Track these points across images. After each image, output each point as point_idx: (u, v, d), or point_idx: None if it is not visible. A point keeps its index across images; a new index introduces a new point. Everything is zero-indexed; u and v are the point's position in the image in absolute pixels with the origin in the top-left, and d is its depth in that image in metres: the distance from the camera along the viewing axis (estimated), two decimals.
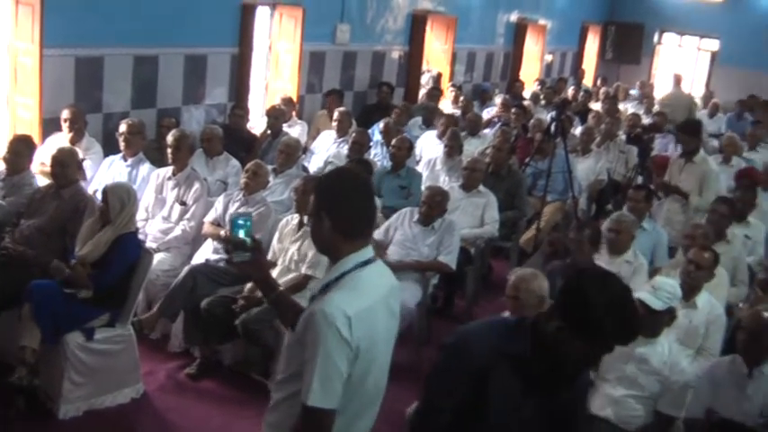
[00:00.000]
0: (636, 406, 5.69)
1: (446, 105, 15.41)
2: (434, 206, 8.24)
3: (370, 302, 3.42)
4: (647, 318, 5.68)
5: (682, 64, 24.29)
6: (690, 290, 6.72)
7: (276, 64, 13.09)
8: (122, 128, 8.87)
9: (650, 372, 5.65)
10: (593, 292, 3.23)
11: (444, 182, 10.23)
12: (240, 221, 3.76)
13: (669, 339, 5.87)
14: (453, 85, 16.44)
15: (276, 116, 11.23)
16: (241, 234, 3.73)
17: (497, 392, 3.40)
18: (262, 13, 12.46)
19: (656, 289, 5.74)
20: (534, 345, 3.37)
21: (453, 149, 10.91)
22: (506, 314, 6.01)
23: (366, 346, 3.37)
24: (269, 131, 11.06)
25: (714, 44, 23.64)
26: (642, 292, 5.75)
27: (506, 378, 3.38)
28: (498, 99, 16.04)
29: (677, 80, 19.41)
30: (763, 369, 5.54)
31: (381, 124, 11.63)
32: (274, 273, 7.24)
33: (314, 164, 10.95)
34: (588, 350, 3.29)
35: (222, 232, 7.72)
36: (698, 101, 20.07)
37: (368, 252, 3.53)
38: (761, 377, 5.53)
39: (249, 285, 7.14)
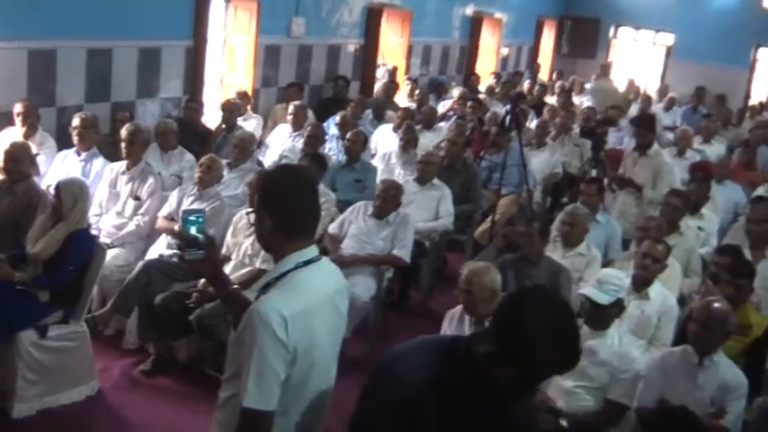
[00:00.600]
0: (586, 397, 5.75)
1: (402, 99, 15.39)
2: (389, 199, 8.25)
3: (308, 303, 3.38)
4: (594, 312, 5.76)
5: (637, 58, 24.52)
6: (643, 282, 6.81)
7: (231, 57, 13.04)
8: (75, 122, 8.80)
9: (600, 363, 5.72)
10: (530, 321, 3.00)
11: (399, 175, 10.25)
12: (191, 218, 3.71)
13: (619, 330, 5.94)
14: (409, 79, 16.43)
15: (231, 110, 11.18)
16: (192, 230, 3.68)
17: (428, 427, 3.18)
18: (216, 5, 12.38)
19: (601, 282, 5.79)
20: (469, 369, 3.12)
21: (409, 143, 10.94)
22: (452, 315, 6.07)
23: (304, 348, 3.34)
24: (224, 125, 11.01)
25: (669, 38, 23.77)
26: (588, 288, 5.85)
27: (441, 408, 3.16)
28: (455, 92, 16.03)
29: (605, 70, 19.56)
30: (713, 358, 5.59)
31: (338, 117, 11.59)
32: (228, 267, 7.25)
33: (269, 158, 10.94)
34: (520, 378, 3.05)
35: (176, 227, 7.72)
36: (623, 90, 20.25)
37: (310, 252, 3.49)
38: (711, 367, 5.58)
39: (203, 280, 7.14)
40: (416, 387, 3.13)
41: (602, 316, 5.78)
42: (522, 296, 3.18)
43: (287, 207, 3.48)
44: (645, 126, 9.86)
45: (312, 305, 3.40)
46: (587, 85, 19.97)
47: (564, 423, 5.53)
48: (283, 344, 3.25)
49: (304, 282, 3.43)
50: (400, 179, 9.57)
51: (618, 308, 5.86)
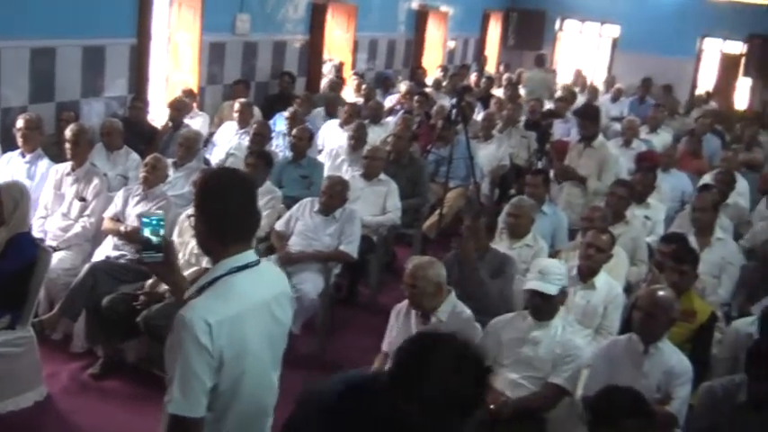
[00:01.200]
0: (531, 387, 5.80)
1: (349, 94, 15.39)
2: (334, 196, 8.25)
3: (238, 310, 3.36)
4: (542, 305, 5.81)
5: (583, 50, 24.67)
6: (588, 271, 6.88)
7: (176, 55, 12.96)
8: (20, 123, 8.67)
9: (544, 353, 5.79)
10: (438, 375, 2.92)
11: (347, 172, 10.23)
12: (147, 220, 3.68)
13: (563, 320, 6.02)
14: (356, 74, 16.44)
15: (178, 108, 11.14)
16: (146, 233, 3.65)
17: None
18: (160, 3, 12.30)
19: (545, 274, 5.84)
20: (380, 405, 3.03)
21: (358, 142, 10.84)
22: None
23: (232, 355, 3.32)
24: (171, 124, 10.95)
25: (615, 30, 23.96)
26: (533, 282, 5.87)
27: None
28: (402, 86, 16.07)
29: (538, 61, 19.70)
30: (658, 346, 5.65)
31: (287, 113, 11.56)
32: None
33: (215, 156, 10.89)
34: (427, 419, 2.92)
35: (122, 228, 7.68)
36: (558, 80, 20.51)
37: (246, 257, 3.47)
38: (656, 354, 5.64)
39: (150, 281, 7.12)
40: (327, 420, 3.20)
41: (549, 307, 5.85)
42: (438, 347, 3.07)
43: (222, 211, 3.46)
44: (588, 117, 9.91)
45: (243, 311, 3.38)
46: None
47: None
48: (207, 350, 3.23)
49: (235, 287, 3.40)
50: (347, 176, 9.55)
51: (563, 295, 5.95)
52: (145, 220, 3.69)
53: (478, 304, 6.66)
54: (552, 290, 5.80)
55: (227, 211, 3.46)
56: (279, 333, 3.63)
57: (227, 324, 3.29)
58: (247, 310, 3.40)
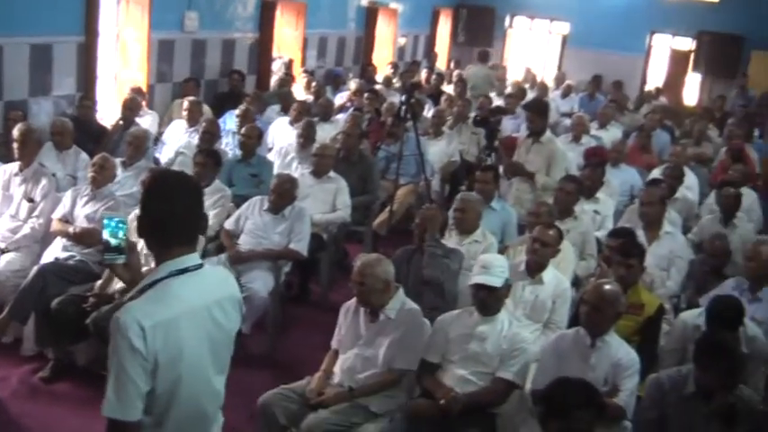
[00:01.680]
0: (480, 383, 5.82)
1: (299, 91, 15.35)
2: (283, 194, 8.25)
3: (174, 313, 3.34)
4: (488, 298, 5.85)
5: (533, 46, 24.78)
6: (536, 266, 6.94)
7: (124, 53, 12.85)
8: None
9: (491, 348, 5.82)
10: None
11: (297, 170, 10.22)
12: (107, 221, 3.69)
13: (509, 315, 6.08)
14: (305, 71, 16.41)
15: (131, 107, 11.05)
16: (105, 234, 3.66)
17: None
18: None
19: (488, 268, 5.87)
20: None
21: (307, 140, 10.85)
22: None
23: (167, 360, 3.30)
24: (121, 122, 10.86)
25: (564, 27, 24.09)
26: (479, 276, 5.89)
27: None
28: (352, 84, 16.05)
29: (481, 57, 19.82)
30: (605, 339, 5.72)
31: (238, 111, 11.49)
32: None
33: (165, 155, 10.85)
34: None
35: (71, 229, 7.63)
36: (508, 76, 20.63)
37: (188, 260, 3.45)
38: (603, 347, 5.70)
39: (99, 282, 7.10)
40: None
41: (494, 300, 5.89)
42: None
43: (166, 213, 3.44)
44: (537, 111, 9.91)
45: (179, 315, 3.36)
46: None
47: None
48: (141, 354, 3.22)
49: (173, 291, 3.38)
50: (297, 173, 9.55)
51: (507, 289, 6.00)
52: (105, 221, 3.70)
53: (430, 300, 6.76)
54: (497, 282, 5.82)
55: (171, 213, 3.44)
56: (221, 338, 3.58)
57: (161, 328, 3.27)
58: (184, 314, 3.38)
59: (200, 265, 3.51)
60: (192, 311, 3.41)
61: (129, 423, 3.28)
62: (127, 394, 3.24)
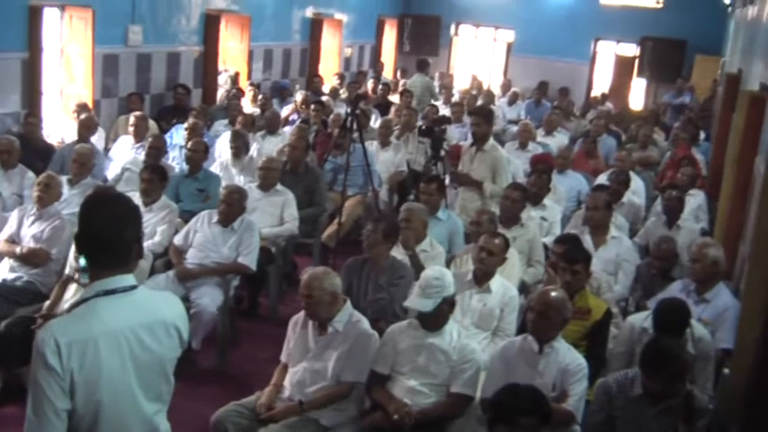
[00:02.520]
0: (430, 394, 5.82)
1: (245, 104, 15.31)
2: (233, 204, 8.25)
3: (93, 334, 3.28)
4: (425, 318, 5.85)
5: (479, 54, 24.91)
6: (483, 275, 6.96)
7: (69, 68, 12.77)
8: None
9: (440, 360, 5.82)
10: None
11: (239, 182, 10.21)
12: None
13: (456, 325, 6.08)
14: (251, 84, 16.38)
15: (88, 126, 10.97)
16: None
17: None
18: (50, 15, 12.15)
19: (423, 288, 5.84)
20: None
21: (239, 149, 10.94)
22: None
23: (85, 380, 3.25)
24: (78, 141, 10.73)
25: (509, 35, 24.28)
26: (411, 299, 5.92)
27: None
28: (299, 95, 16.03)
29: (420, 66, 19.89)
30: (552, 345, 5.75)
31: (186, 125, 11.47)
32: (72, 288, 7.16)
33: (112, 171, 10.74)
34: None
35: (18, 249, 7.57)
36: (436, 83, 20.48)
37: (119, 281, 3.40)
38: (551, 353, 5.73)
39: (48, 303, 7.05)
40: None
41: (434, 319, 5.87)
42: None
43: (92, 234, 3.43)
44: (480, 115, 9.86)
45: (98, 336, 3.30)
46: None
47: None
48: (56, 371, 3.19)
49: (96, 311, 3.34)
50: (240, 185, 9.56)
51: (448, 305, 5.93)
52: None
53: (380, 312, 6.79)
54: (428, 306, 5.78)
55: (101, 234, 3.42)
56: (150, 363, 3.48)
57: (77, 346, 3.23)
58: (103, 335, 3.31)
59: (133, 287, 3.45)
60: (112, 333, 3.34)
61: None
62: (43, 411, 3.20)
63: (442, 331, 5.90)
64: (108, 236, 3.42)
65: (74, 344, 3.22)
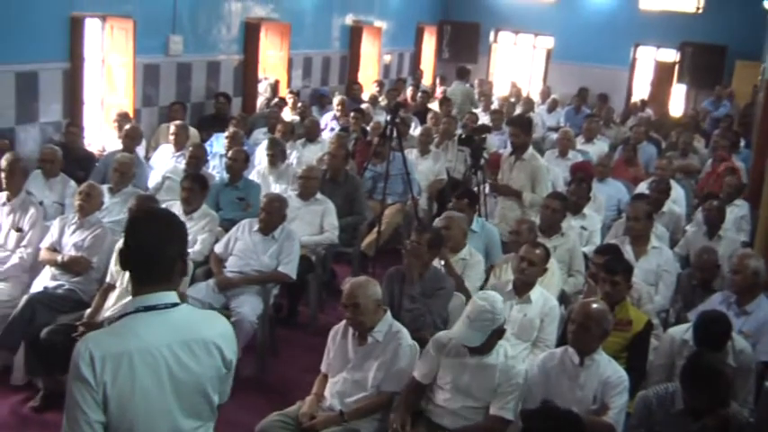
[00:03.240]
0: (471, 417, 5.79)
1: (285, 112, 15.33)
2: (273, 212, 8.27)
3: (128, 349, 3.29)
4: (475, 348, 5.77)
5: (518, 61, 24.84)
6: (523, 286, 6.93)
7: (110, 78, 12.88)
8: None
9: (485, 381, 5.76)
10: None
11: (276, 190, 10.31)
12: None
13: (503, 346, 5.91)
14: (291, 92, 16.40)
15: (132, 136, 10.99)
16: None
17: None
18: (92, 25, 12.26)
19: (472, 320, 5.70)
20: None
21: (276, 157, 11.00)
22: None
23: (118, 394, 3.26)
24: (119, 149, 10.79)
25: (549, 41, 24.16)
26: (459, 331, 5.77)
27: None
28: (337, 101, 15.98)
29: (459, 74, 19.85)
30: (593, 357, 5.73)
31: (227, 133, 11.54)
32: (113, 296, 7.20)
33: (152, 179, 10.79)
34: None
35: (59, 258, 7.63)
36: (475, 91, 20.46)
37: (157, 298, 3.40)
38: (592, 365, 5.72)
39: (89, 311, 7.10)
40: None
41: (483, 347, 5.77)
42: None
43: (134, 249, 3.45)
44: (518, 125, 9.85)
45: (135, 351, 3.30)
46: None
47: None
48: (89, 383, 3.21)
49: (133, 327, 3.36)
50: (275, 191, 9.63)
51: (498, 334, 5.81)
52: None
53: (414, 323, 6.76)
54: (477, 340, 5.70)
55: (139, 249, 3.44)
56: (189, 381, 3.45)
57: (111, 360, 3.25)
58: (138, 351, 3.31)
59: (174, 305, 3.45)
60: (148, 350, 3.34)
61: None
62: (75, 421, 3.23)
63: (489, 354, 5.83)
64: (151, 251, 3.44)
65: (108, 357, 3.24)
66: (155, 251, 3.44)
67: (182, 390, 3.43)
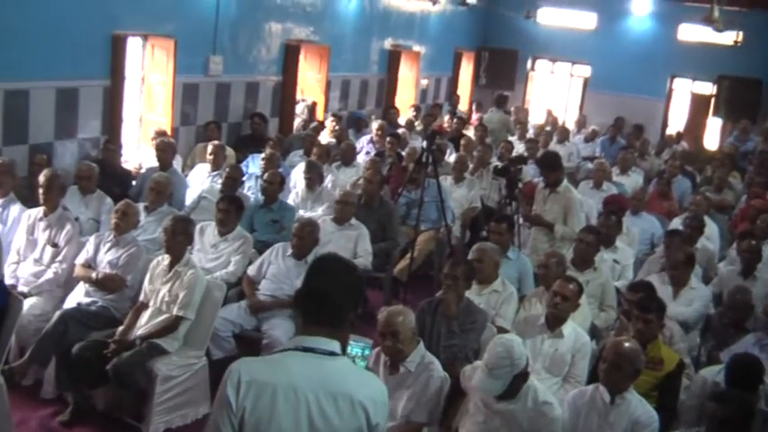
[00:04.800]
0: None
1: (323, 135, 15.35)
2: (305, 237, 8.28)
3: (275, 381, 3.36)
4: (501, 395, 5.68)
5: (555, 89, 24.82)
6: (555, 320, 6.89)
7: (149, 96, 12.98)
8: None
9: (515, 427, 5.66)
10: None
11: (312, 210, 10.38)
12: (353, 344, 4.67)
13: (533, 389, 5.74)
14: (333, 115, 16.37)
15: (163, 149, 11.00)
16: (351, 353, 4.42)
17: None
18: (133, 44, 12.37)
19: (491, 368, 5.55)
20: None
21: (313, 181, 11.07)
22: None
23: (254, 422, 3.33)
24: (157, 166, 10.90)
25: (586, 70, 24.13)
26: (479, 380, 5.64)
27: None
28: (375, 125, 16.03)
29: (498, 102, 19.83)
30: (624, 396, 5.71)
31: (264, 155, 11.59)
32: (146, 315, 7.25)
33: (188, 198, 10.85)
34: None
35: (93, 274, 7.68)
36: (512, 119, 20.24)
37: (315, 342, 3.46)
38: (623, 404, 5.70)
39: (121, 329, 7.14)
40: None
41: (507, 392, 5.64)
42: None
43: (310, 289, 3.57)
44: (546, 166, 9.93)
45: (279, 385, 3.36)
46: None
47: None
48: (230, 404, 3.33)
49: (287, 363, 3.44)
50: (310, 214, 9.72)
51: (522, 378, 5.65)
52: (352, 343, 4.56)
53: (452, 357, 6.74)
54: (498, 388, 5.58)
55: (314, 291, 3.54)
56: (328, 428, 3.42)
57: (255, 387, 3.35)
58: (285, 387, 3.37)
59: (333, 354, 3.47)
60: (293, 388, 3.38)
61: None
62: None
63: (518, 398, 5.68)
64: (325, 295, 3.52)
65: (253, 384, 3.35)
66: (329, 296, 3.52)
67: None
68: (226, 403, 3.33)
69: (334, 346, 3.49)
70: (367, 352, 4.13)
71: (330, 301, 3.51)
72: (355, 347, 4.46)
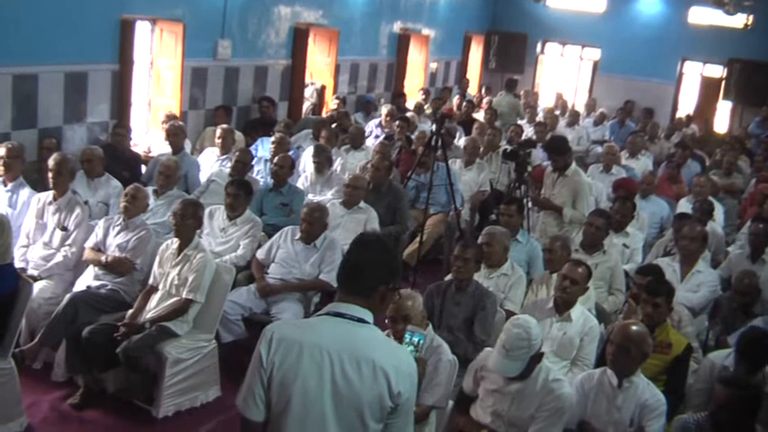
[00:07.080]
0: None
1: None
2: (314, 222, 8.26)
3: (303, 339, 3.58)
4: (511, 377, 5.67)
5: (565, 72, 24.76)
6: (564, 304, 6.88)
7: (158, 80, 13.02)
8: (1, 152, 8.62)
9: (525, 407, 5.64)
10: None
11: (320, 195, 10.41)
12: (408, 334, 5.04)
13: (545, 369, 5.70)
14: (337, 98, 16.45)
15: (175, 133, 11.03)
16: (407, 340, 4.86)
17: None
18: (142, 28, 12.40)
19: (508, 350, 5.51)
20: None
21: (322, 164, 11.05)
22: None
23: (280, 378, 3.56)
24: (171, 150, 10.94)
25: (596, 53, 24.03)
26: (496, 362, 5.61)
27: None
28: (384, 109, 16.04)
29: (508, 85, 19.80)
30: (632, 379, 5.71)
31: (274, 138, 11.58)
32: (156, 298, 7.27)
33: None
34: None
35: (103, 258, 7.70)
36: (521, 102, 20.27)
37: (350, 309, 3.65)
38: (630, 388, 5.71)
39: (130, 312, 7.16)
40: None
41: (522, 374, 5.61)
42: None
43: (347, 261, 3.81)
44: (554, 151, 9.94)
45: (306, 344, 3.58)
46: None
47: None
48: (262, 360, 3.59)
49: (316, 324, 3.70)
50: (319, 198, 9.72)
51: (537, 358, 5.60)
52: (408, 334, 5.09)
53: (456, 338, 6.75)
54: (516, 369, 5.56)
55: (350, 263, 3.77)
56: (350, 395, 3.54)
57: (284, 344, 3.59)
58: (311, 346, 3.58)
59: (362, 321, 3.66)
60: (318, 347, 3.58)
61: (249, 420, 3.65)
62: (248, 392, 3.63)
63: (530, 377, 5.65)
64: (358, 267, 3.74)
65: (283, 341, 3.60)
66: (362, 268, 3.74)
67: (339, 400, 3.57)
68: (258, 359, 3.59)
69: (365, 314, 3.68)
70: (419, 340, 4.39)
71: (362, 274, 3.72)
72: (413, 336, 4.85)
